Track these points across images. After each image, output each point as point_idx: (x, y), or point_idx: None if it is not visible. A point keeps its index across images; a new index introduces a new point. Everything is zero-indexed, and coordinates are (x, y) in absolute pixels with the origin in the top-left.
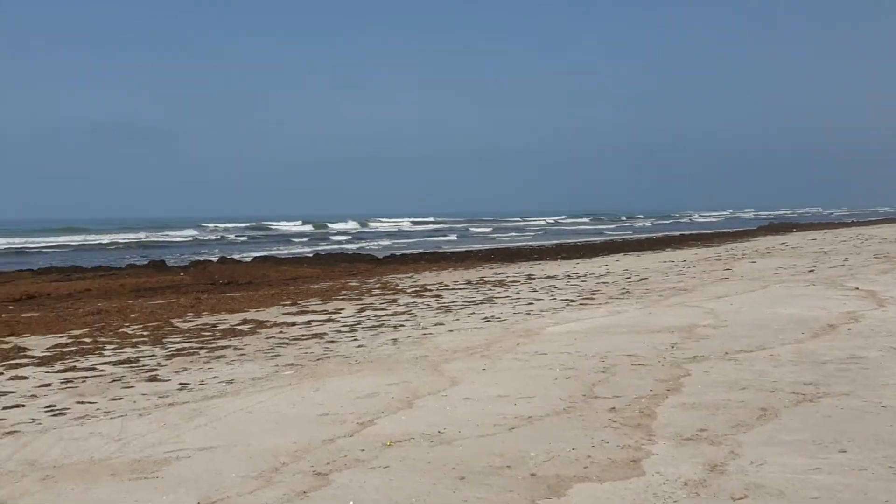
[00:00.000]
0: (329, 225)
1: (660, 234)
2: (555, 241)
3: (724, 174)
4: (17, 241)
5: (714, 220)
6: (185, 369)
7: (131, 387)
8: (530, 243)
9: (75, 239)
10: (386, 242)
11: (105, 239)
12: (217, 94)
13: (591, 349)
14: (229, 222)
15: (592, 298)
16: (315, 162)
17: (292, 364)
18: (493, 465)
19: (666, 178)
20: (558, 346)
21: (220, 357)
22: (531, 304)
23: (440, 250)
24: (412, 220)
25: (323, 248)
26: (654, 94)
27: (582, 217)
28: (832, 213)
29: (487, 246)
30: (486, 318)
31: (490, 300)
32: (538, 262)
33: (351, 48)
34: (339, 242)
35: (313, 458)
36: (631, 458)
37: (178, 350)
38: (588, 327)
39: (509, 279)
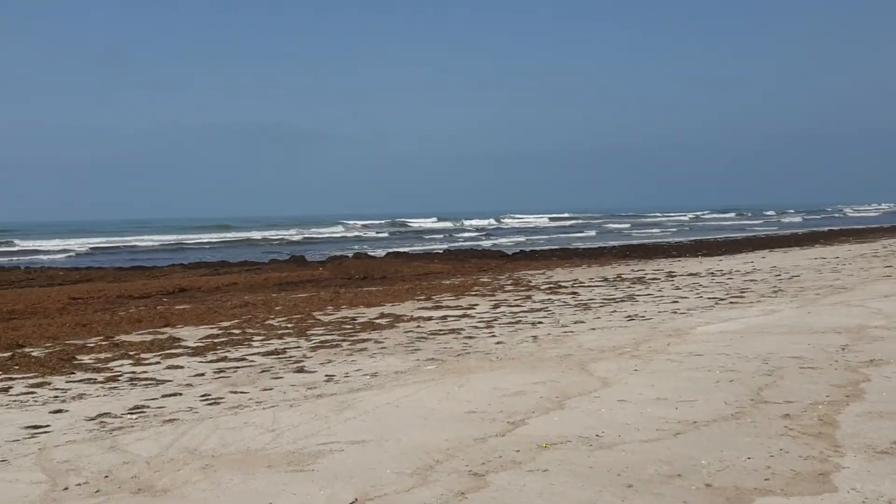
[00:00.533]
0: (465, 221)
1: (806, 230)
2: (693, 238)
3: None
4: (173, 238)
5: (871, 214)
6: (329, 361)
7: (280, 377)
8: (668, 240)
9: (227, 236)
10: (520, 239)
11: (257, 235)
12: (354, 96)
13: (750, 350)
14: (369, 219)
15: (742, 297)
16: (454, 159)
17: (433, 359)
18: (662, 472)
19: (817, 171)
20: (713, 347)
21: (362, 350)
22: (676, 302)
23: (571, 247)
24: (549, 216)
25: (456, 244)
26: (809, 84)
27: (725, 212)
28: None
29: (621, 242)
30: (629, 316)
31: (631, 298)
32: (677, 258)
33: (482, 48)
34: (473, 238)
35: (467, 457)
36: (818, 470)
37: (321, 342)
38: (742, 327)
39: (648, 276)
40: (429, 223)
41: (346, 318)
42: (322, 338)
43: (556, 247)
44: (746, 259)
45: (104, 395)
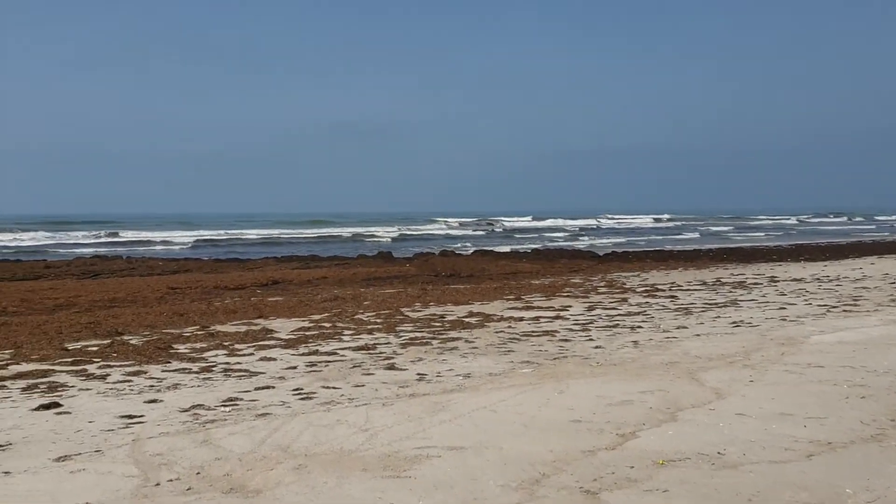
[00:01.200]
0: (560, 221)
1: None
2: (793, 242)
3: None
4: (268, 232)
5: None
6: (420, 359)
7: (371, 374)
8: (766, 244)
9: (322, 231)
10: (618, 240)
11: (346, 232)
12: (455, 91)
13: (878, 364)
14: (461, 217)
15: (856, 305)
16: (552, 156)
17: (528, 361)
18: (799, 500)
19: None
20: (835, 359)
21: (452, 349)
22: (783, 308)
23: (665, 249)
24: (651, 217)
25: (549, 244)
26: None
27: (827, 216)
28: None
29: (718, 245)
30: (734, 322)
31: (734, 303)
32: (778, 263)
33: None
34: (567, 238)
35: (576, 472)
36: None
37: (411, 339)
38: (863, 338)
39: (750, 281)
40: (522, 222)
41: (435, 315)
42: (411, 335)
43: (650, 248)
44: (854, 265)
45: (198, 386)
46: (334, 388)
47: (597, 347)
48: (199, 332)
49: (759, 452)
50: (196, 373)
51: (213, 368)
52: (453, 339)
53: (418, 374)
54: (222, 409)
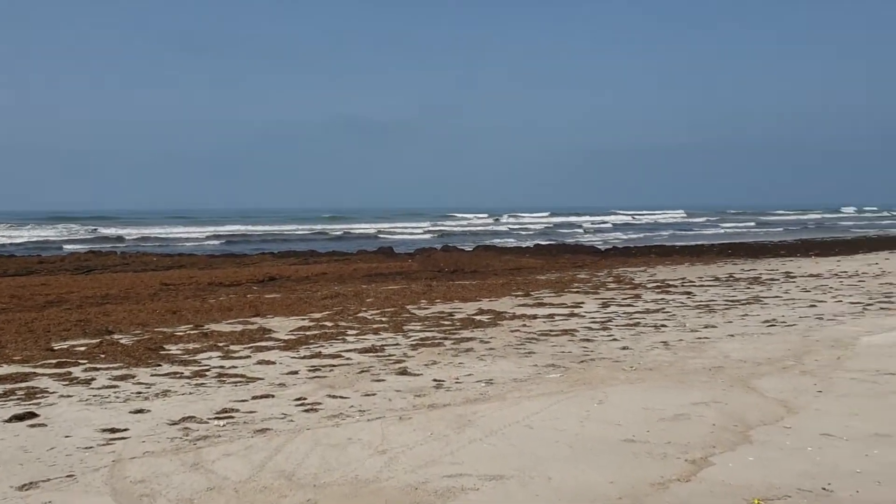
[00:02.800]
0: (569, 218)
1: None
2: (799, 238)
3: None
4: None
5: None
6: (434, 362)
7: (382, 380)
8: (768, 239)
9: (316, 227)
10: (630, 235)
11: (360, 229)
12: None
13: None
14: (470, 213)
15: (891, 302)
16: (567, 153)
17: (553, 365)
18: None
19: None
20: None
21: (468, 350)
22: (813, 306)
23: (668, 244)
24: (659, 213)
25: (553, 238)
26: None
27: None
28: None
29: (720, 240)
30: (767, 321)
31: (757, 300)
32: (787, 258)
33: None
34: (570, 235)
35: None
36: None
37: (421, 340)
38: None
39: (765, 276)
40: (528, 218)
41: (443, 312)
42: (421, 334)
43: (650, 244)
44: (868, 260)
45: (189, 393)
46: (342, 397)
47: (624, 349)
48: (192, 332)
49: (875, 489)
50: (188, 378)
51: (207, 373)
52: (467, 340)
53: (434, 380)
54: (216, 422)
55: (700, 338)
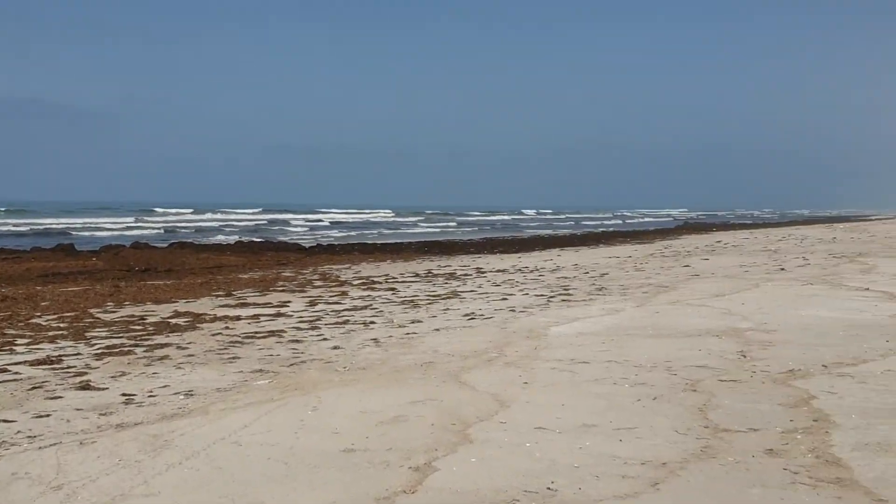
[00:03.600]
0: (286, 215)
1: (583, 231)
2: (484, 237)
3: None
4: None
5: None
6: (123, 374)
7: (59, 397)
8: (461, 237)
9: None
10: (348, 233)
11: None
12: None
13: (637, 356)
14: (175, 208)
15: (570, 295)
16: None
17: (261, 370)
18: None
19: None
20: (591, 353)
21: (163, 358)
22: (505, 299)
23: (374, 242)
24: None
25: (251, 235)
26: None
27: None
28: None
29: (419, 239)
30: (466, 315)
31: (455, 294)
32: (477, 255)
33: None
34: (286, 232)
35: None
36: None
37: (107, 347)
38: (599, 328)
39: (459, 272)
40: (238, 214)
41: (134, 316)
42: (107, 342)
43: (354, 241)
44: (543, 257)
45: None
46: (5, 420)
47: (335, 348)
48: None
49: (595, 484)
50: None
51: None
52: (162, 346)
53: (124, 394)
54: None
55: (408, 333)
